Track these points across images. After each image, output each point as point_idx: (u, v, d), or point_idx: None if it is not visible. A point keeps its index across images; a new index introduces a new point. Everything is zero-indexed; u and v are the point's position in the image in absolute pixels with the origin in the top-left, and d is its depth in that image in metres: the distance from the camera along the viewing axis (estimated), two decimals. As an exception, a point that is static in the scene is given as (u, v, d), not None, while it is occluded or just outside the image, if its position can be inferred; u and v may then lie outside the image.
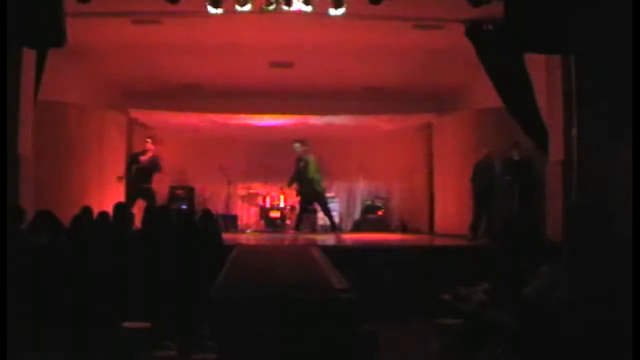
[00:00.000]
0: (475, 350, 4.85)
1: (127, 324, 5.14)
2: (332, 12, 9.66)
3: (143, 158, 13.15)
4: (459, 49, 11.08)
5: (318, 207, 14.36)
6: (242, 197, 15.99)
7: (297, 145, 13.65)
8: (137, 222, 8.67)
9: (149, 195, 12.80)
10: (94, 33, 11.00)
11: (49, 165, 11.40)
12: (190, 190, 15.24)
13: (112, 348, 5.37)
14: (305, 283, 7.09)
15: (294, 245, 11.93)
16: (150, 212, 8.56)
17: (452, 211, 13.74)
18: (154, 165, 13.05)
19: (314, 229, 14.80)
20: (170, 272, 7.25)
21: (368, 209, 16.02)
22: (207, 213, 9.43)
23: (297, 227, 13.91)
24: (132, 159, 13.35)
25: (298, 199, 15.14)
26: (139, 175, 13.10)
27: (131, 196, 12.82)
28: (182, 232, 8.28)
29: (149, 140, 13.32)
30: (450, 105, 15.28)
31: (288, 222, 15.25)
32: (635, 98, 7.12)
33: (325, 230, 14.63)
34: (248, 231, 14.97)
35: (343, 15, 9.71)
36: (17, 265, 6.79)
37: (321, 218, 14.89)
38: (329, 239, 12.60)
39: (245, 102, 14.75)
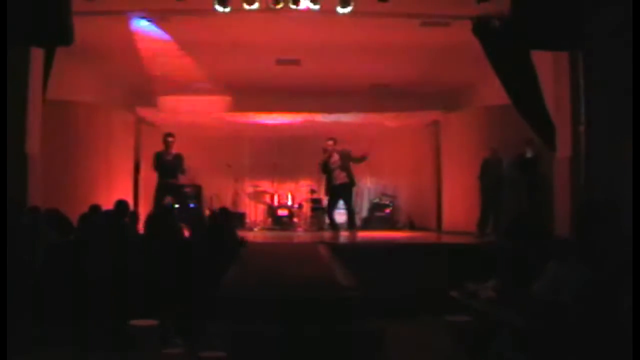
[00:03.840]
0: (484, 347, 4.85)
1: (134, 322, 5.15)
2: (340, 10, 9.69)
3: (168, 158, 12.75)
4: (465, 46, 11.06)
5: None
6: (250, 195, 16.00)
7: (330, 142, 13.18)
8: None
9: (178, 193, 12.80)
10: (102, 31, 11.03)
11: (56, 164, 11.46)
12: (198, 189, 15.26)
13: (120, 346, 5.38)
14: (313, 281, 7.10)
15: (302, 243, 11.94)
16: (154, 211, 8.59)
17: (460, 208, 13.73)
18: (177, 166, 12.75)
19: (321, 227, 14.80)
20: (178, 269, 7.27)
21: (376, 207, 16.02)
22: (224, 212, 9.49)
23: (334, 225, 13.39)
24: (157, 157, 12.84)
25: (309, 196, 15.19)
26: (164, 173, 12.75)
27: (159, 194, 12.55)
28: (195, 230, 8.34)
29: (172, 138, 12.85)
30: (457, 103, 15.26)
31: (295, 219, 15.26)
32: (636, 94, 7.10)
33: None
34: (255, 229, 14.99)
35: (350, 13, 9.73)
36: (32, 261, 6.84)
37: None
38: (341, 237, 12.56)
39: (253, 100, 14.77)
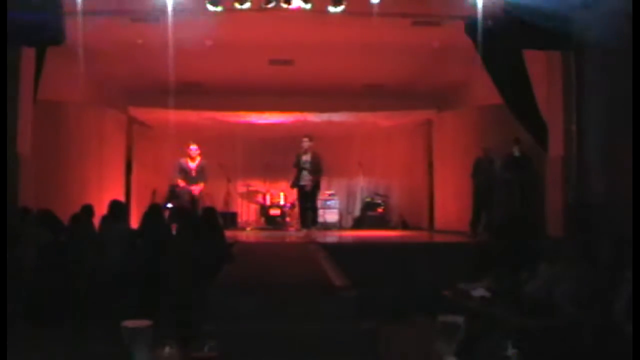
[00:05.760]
0: (477, 347, 4.85)
1: (126, 322, 5.12)
2: (332, 9, 9.67)
3: (192, 166, 12.79)
4: (458, 46, 11.06)
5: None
6: (242, 195, 15.97)
7: (306, 139, 13.23)
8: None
9: (194, 200, 12.61)
10: (93, 31, 10.97)
11: (48, 164, 11.41)
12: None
13: (112, 346, 5.36)
14: (305, 281, 7.10)
15: (294, 243, 11.93)
16: (148, 210, 8.55)
17: (452, 208, 13.75)
18: (201, 174, 12.76)
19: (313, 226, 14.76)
20: (170, 269, 7.25)
21: (368, 206, 16.01)
22: (210, 211, 9.42)
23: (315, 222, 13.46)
24: (180, 167, 12.85)
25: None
26: (187, 181, 12.77)
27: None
28: (183, 229, 8.30)
29: (195, 146, 12.90)
30: (449, 102, 15.26)
31: (288, 219, 15.24)
32: (636, 93, 7.11)
33: (325, 227, 14.60)
34: (248, 229, 14.97)
35: (342, 12, 9.71)
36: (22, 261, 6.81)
37: (321, 215, 14.86)
38: (328, 236, 12.57)
39: (245, 100, 14.75)
